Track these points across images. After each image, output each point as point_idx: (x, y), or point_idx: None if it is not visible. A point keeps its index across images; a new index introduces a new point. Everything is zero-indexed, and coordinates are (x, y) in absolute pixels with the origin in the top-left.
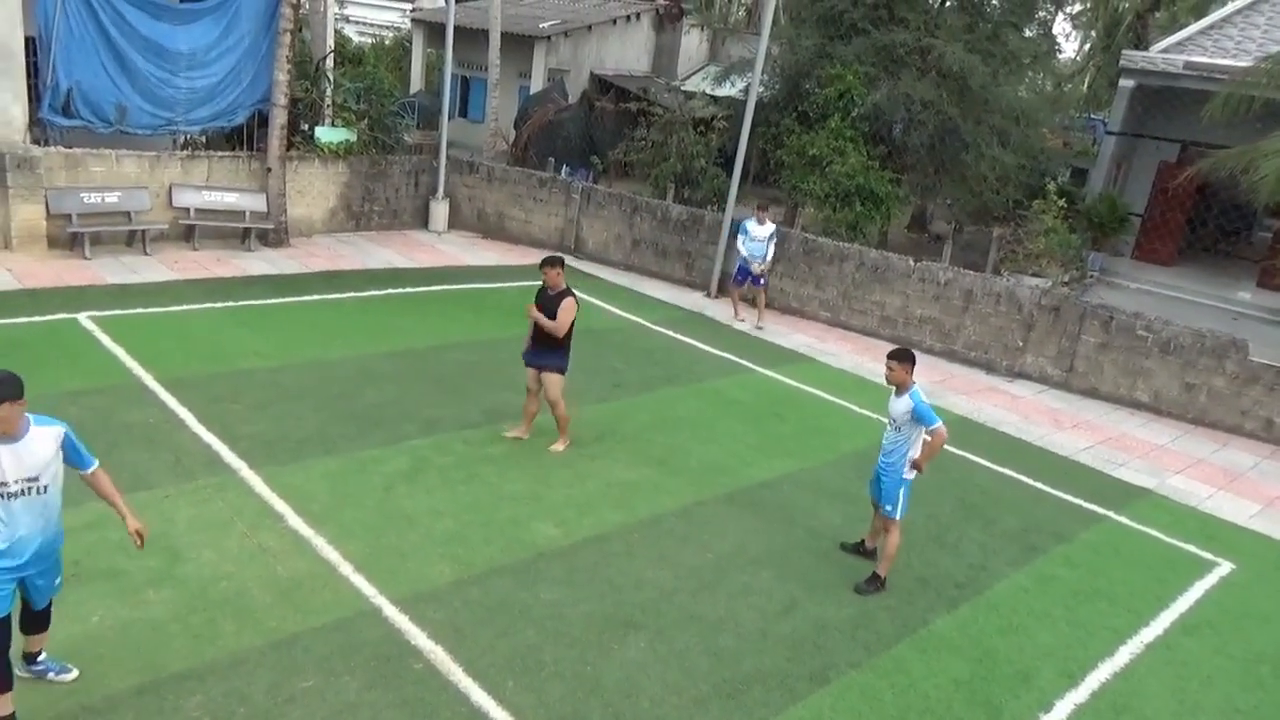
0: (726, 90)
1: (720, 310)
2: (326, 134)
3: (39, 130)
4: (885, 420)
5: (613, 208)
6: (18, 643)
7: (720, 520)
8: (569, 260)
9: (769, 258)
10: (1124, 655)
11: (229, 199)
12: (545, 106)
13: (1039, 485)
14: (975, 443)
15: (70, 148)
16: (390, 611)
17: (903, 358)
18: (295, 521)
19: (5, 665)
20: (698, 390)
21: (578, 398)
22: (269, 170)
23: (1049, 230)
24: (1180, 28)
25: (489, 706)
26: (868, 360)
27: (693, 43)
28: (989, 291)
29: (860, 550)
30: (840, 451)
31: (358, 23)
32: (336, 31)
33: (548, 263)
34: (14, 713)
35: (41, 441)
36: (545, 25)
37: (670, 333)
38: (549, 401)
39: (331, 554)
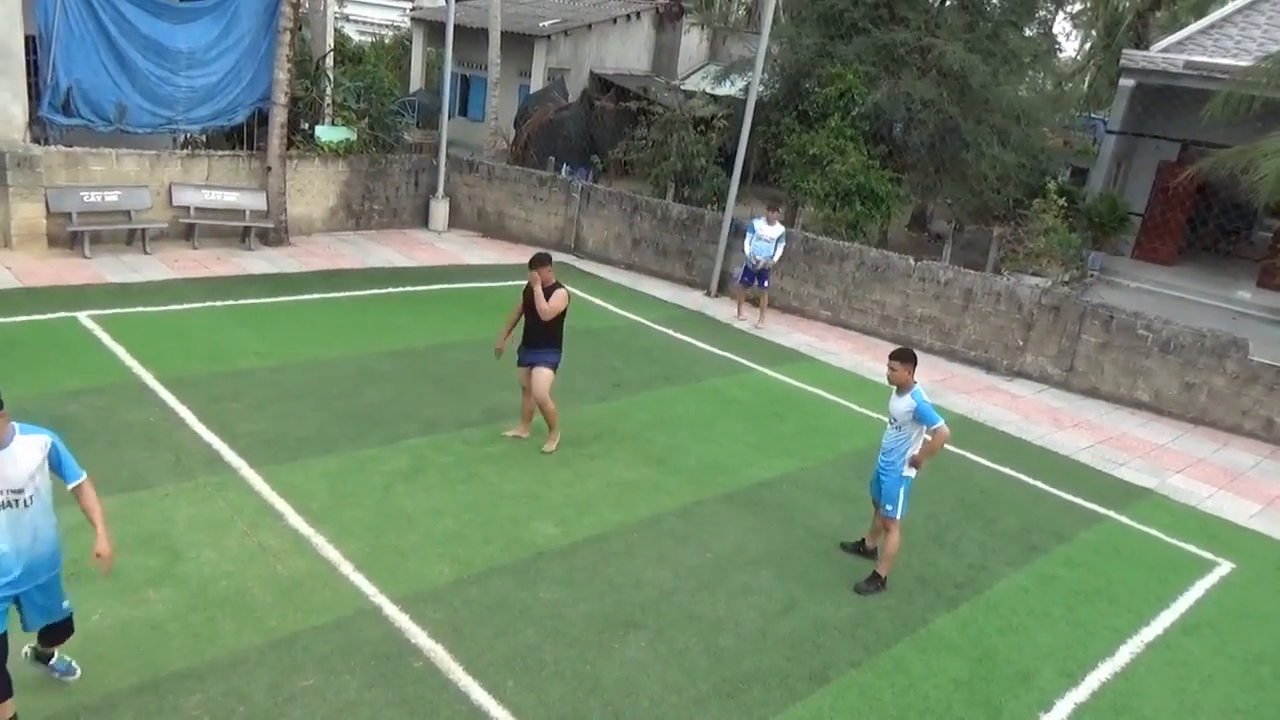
0: (726, 89)
1: (720, 309)
2: (326, 133)
3: (39, 129)
4: (885, 419)
5: (613, 207)
6: (18, 643)
7: (720, 520)
8: (569, 259)
9: (775, 258)
10: (1124, 655)
11: (229, 198)
12: (545, 105)
13: (1039, 485)
14: (975, 442)
15: (70, 146)
16: (390, 610)
17: (905, 358)
18: (295, 520)
19: (3, 675)
20: (697, 389)
21: (577, 397)
22: (269, 169)
23: (1049, 229)
24: (1180, 27)
25: (489, 705)
26: (868, 359)
27: (693, 42)
28: (989, 291)
29: (860, 550)
30: (840, 451)
31: (358, 21)
32: (336, 30)
33: (538, 261)
34: (15, 715)
35: (26, 451)
36: (545, 24)
37: (670, 332)
38: (537, 399)
39: (331, 553)
